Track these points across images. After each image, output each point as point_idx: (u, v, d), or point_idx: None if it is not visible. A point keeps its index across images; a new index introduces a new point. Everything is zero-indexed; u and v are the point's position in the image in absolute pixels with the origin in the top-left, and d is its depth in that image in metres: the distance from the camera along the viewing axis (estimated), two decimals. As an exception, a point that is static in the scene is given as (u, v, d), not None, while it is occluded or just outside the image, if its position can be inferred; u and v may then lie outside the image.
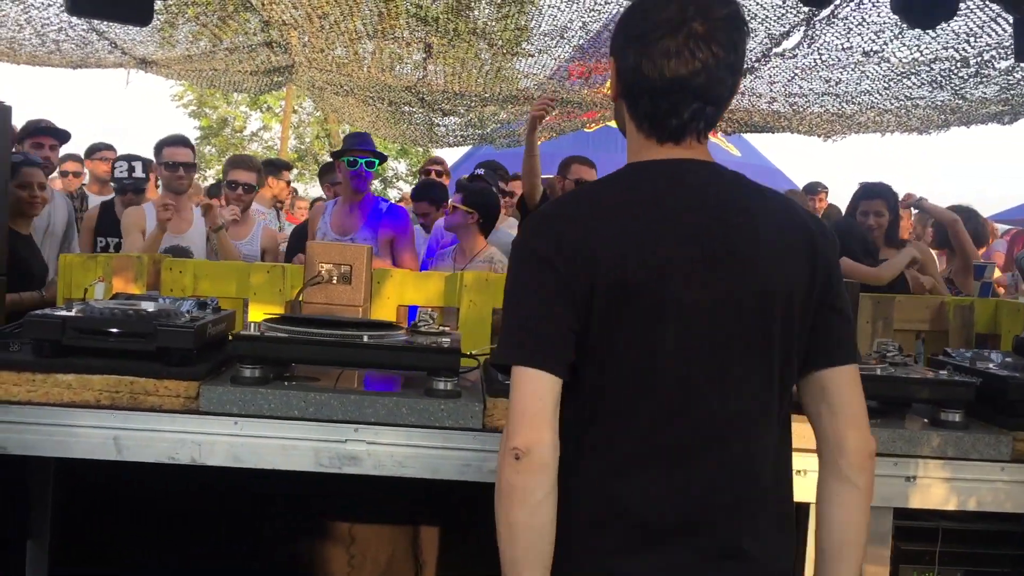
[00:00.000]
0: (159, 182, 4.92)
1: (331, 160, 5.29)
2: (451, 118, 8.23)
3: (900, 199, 5.42)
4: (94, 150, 6.59)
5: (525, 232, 1.51)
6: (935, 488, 2.20)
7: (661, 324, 1.42)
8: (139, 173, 4.84)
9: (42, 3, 5.04)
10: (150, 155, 4.83)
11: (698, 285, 1.42)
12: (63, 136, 5.14)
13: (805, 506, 1.92)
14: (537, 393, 1.41)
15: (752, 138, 10.88)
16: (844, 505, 1.53)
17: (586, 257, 1.42)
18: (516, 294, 1.47)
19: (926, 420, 2.33)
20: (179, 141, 4.57)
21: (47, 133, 5.04)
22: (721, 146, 10.67)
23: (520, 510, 1.40)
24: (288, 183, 7.22)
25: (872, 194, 4.73)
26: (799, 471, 1.78)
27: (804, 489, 1.83)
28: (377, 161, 4.46)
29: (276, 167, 7.14)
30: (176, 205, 4.29)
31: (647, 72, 1.45)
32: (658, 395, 1.43)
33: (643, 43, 1.45)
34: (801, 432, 1.61)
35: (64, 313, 2.27)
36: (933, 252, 5.14)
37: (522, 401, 1.42)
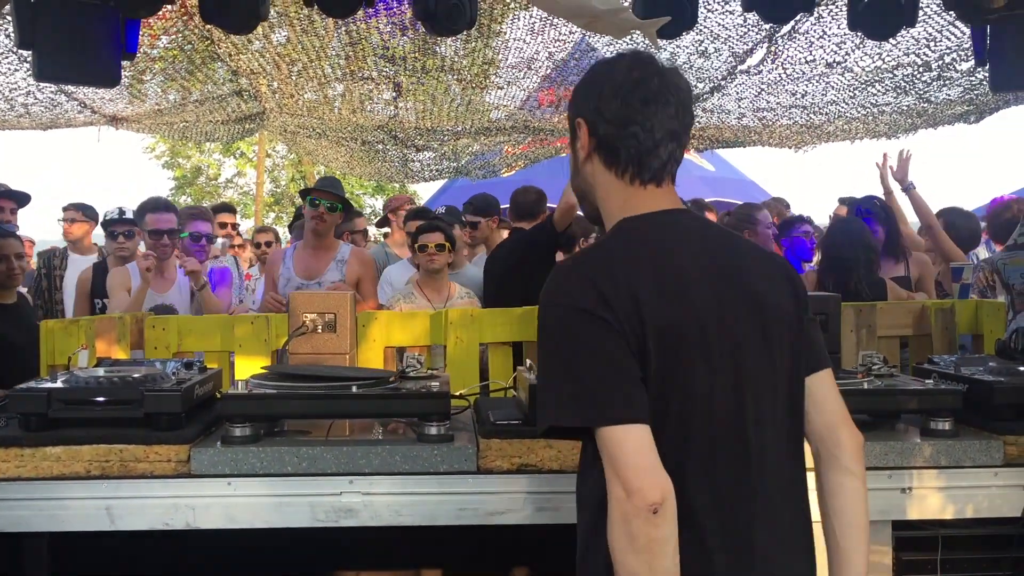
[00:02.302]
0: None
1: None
2: (425, 153, 8.25)
3: (891, 164, 5.09)
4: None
5: (559, 294, 1.51)
6: (931, 498, 2.22)
7: (704, 362, 1.49)
8: (128, 216, 4.83)
9: (8, 68, 5.03)
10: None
11: (730, 323, 1.52)
12: (22, 199, 5.05)
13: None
14: (644, 445, 1.43)
15: (724, 152, 10.97)
16: (850, 494, 1.64)
17: (631, 306, 1.46)
18: (577, 354, 1.47)
19: (917, 430, 2.34)
20: (161, 206, 4.52)
21: (6, 196, 4.94)
22: (695, 162, 10.73)
23: (664, 559, 1.41)
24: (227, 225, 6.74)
25: (858, 215, 4.74)
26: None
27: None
28: (340, 207, 4.39)
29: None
30: (158, 263, 4.29)
31: (631, 116, 1.58)
32: (708, 430, 1.50)
33: (621, 99, 1.58)
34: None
35: (49, 385, 2.25)
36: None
37: (635, 456, 1.42)
